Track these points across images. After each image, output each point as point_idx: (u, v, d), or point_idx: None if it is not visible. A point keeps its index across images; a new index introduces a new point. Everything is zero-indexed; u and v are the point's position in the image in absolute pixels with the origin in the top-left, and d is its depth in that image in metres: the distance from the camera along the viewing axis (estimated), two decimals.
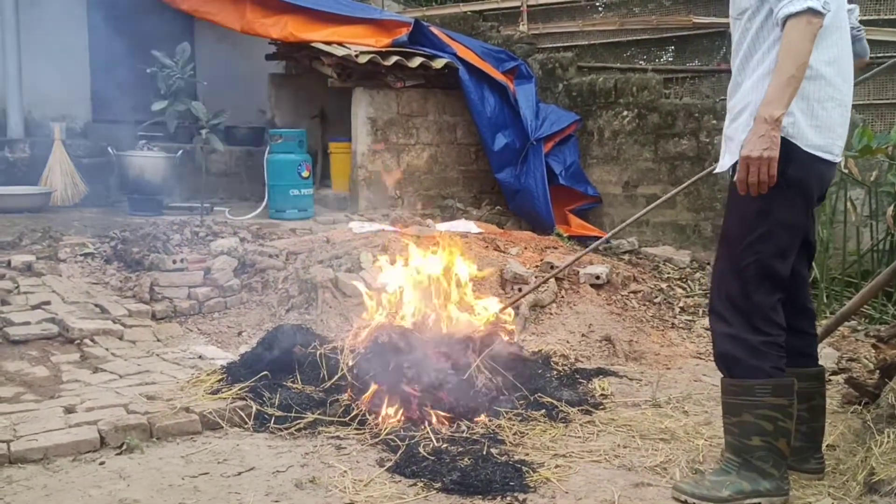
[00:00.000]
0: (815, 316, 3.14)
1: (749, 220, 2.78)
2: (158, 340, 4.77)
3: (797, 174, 2.70)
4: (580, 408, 3.83)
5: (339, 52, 7.42)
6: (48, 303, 4.87)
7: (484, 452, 3.22)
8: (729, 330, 2.83)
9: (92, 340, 4.52)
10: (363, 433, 3.42)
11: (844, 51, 2.78)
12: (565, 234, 7.22)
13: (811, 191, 2.79)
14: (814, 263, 4.09)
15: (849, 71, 2.82)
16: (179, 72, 6.33)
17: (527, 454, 3.27)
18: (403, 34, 7.71)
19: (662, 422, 3.66)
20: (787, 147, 2.67)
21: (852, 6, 2.96)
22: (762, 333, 2.78)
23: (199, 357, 4.46)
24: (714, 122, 7.29)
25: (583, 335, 5.07)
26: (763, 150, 2.59)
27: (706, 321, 5.45)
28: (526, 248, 6.20)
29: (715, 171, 3.15)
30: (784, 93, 2.57)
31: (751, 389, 2.77)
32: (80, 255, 5.66)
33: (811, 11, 2.54)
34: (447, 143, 8.13)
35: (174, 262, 5.36)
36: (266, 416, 3.54)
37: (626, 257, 6.89)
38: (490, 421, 3.56)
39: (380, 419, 3.50)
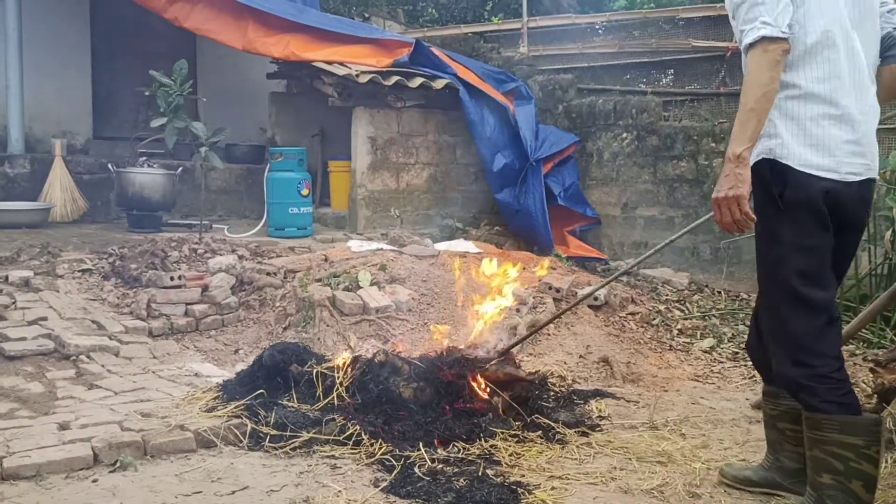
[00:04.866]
0: None
1: (763, 249, 2.76)
2: (155, 357, 4.75)
3: (795, 195, 2.63)
4: (577, 429, 3.81)
5: (340, 71, 7.46)
6: (45, 318, 4.86)
7: (479, 473, 3.20)
8: (776, 365, 2.77)
9: (88, 357, 4.50)
10: (358, 453, 3.40)
11: (845, 66, 2.66)
12: (564, 255, 7.23)
13: (819, 210, 2.63)
14: None
15: (855, 85, 2.68)
16: (178, 89, 6.35)
17: (523, 476, 3.25)
18: (404, 54, 7.76)
19: (659, 444, 3.64)
20: (780, 169, 2.65)
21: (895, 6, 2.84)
22: (804, 366, 2.66)
23: (196, 374, 4.45)
24: (713, 144, 7.32)
25: (580, 356, 5.06)
26: (728, 190, 2.57)
27: (704, 343, 5.47)
28: (524, 269, 6.20)
29: None
30: (745, 128, 2.55)
31: (818, 424, 2.65)
32: (78, 271, 5.66)
33: (765, 39, 2.53)
34: (447, 163, 8.15)
35: (172, 279, 5.36)
36: (261, 434, 3.52)
37: (624, 279, 6.89)
38: (486, 442, 3.54)
39: (375, 439, 3.48)
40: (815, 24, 2.64)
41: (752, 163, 2.64)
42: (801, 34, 2.63)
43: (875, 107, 2.75)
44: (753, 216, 2.61)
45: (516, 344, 4.39)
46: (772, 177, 2.66)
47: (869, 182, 2.74)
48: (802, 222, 2.64)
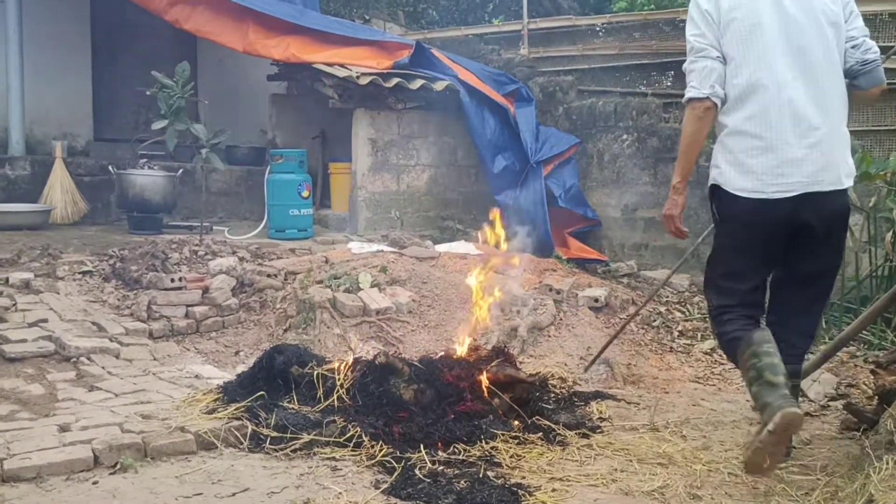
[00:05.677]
0: (813, 336, 3.55)
1: (713, 246, 3.44)
2: (155, 359, 4.75)
3: (727, 210, 3.30)
4: (578, 431, 3.81)
5: (341, 73, 7.47)
6: (45, 320, 4.86)
7: (480, 475, 3.20)
8: (712, 326, 3.46)
9: (88, 359, 4.50)
10: (359, 454, 3.40)
11: (774, 106, 3.16)
12: (564, 257, 7.22)
13: (749, 223, 3.22)
14: None
15: (783, 119, 3.15)
16: (180, 91, 6.35)
17: (524, 477, 3.25)
18: (405, 56, 7.76)
19: (660, 446, 3.64)
20: (717, 191, 3.32)
21: (858, 41, 3.29)
22: (721, 323, 3.32)
23: (196, 376, 4.45)
24: (713, 146, 7.28)
25: (581, 358, 5.06)
26: (666, 210, 3.46)
27: (705, 345, 5.46)
28: (524, 270, 6.20)
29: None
30: (678, 166, 3.40)
31: (736, 353, 3.19)
32: (79, 273, 5.66)
33: (692, 100, 3.26)
34: (447, 165, 8.15)
35: (172, 280, 5.36)
36: (262, 436, 3.51)
37: (625, 280, 6.88)
38: (487, 443, 3.54)
39: (375, 441, 3.47)
40: (742, 75, 3.20)
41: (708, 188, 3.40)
42: (733, 84, 3.21)
43: (828, 129, 3.17)
44: (685, 229, 3.46)
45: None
46: (713, 197, 3.35)
47: (813, 195, 3.15)
48: (733, 230, 3.31)
